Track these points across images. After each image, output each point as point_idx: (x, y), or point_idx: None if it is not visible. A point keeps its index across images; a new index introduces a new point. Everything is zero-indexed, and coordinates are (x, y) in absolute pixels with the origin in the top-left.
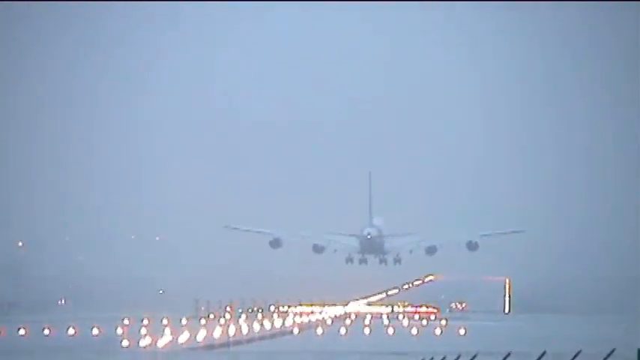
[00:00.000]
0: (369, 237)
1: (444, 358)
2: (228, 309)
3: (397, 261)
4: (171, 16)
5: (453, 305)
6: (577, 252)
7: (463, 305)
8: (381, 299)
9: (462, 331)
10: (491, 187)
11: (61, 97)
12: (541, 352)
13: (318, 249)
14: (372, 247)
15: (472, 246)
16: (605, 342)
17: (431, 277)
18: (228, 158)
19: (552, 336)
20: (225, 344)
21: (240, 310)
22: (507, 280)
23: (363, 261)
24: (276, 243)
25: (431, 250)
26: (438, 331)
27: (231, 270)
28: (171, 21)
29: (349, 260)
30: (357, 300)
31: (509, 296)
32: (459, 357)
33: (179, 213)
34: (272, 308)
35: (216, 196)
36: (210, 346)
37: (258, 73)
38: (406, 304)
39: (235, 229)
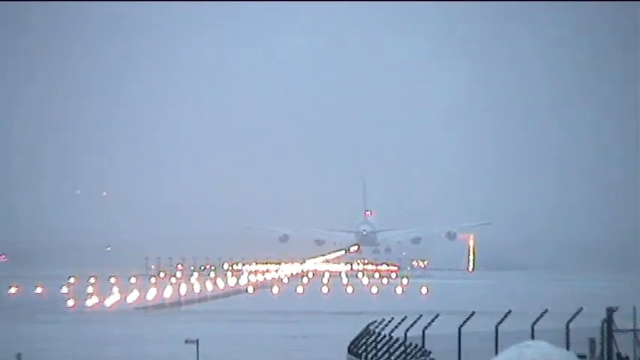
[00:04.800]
0: (364, 233)
1: (404, 317)
2: (179, 267)
3: (388, 250)
4: (192, 17)
5: (414, 263)
6: (540, 217)
7: (425, 263)
8: (340, 257)
9: (423, 290)
10: (466, 187)
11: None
12: (506, 311)
13: (319, 242)
14: (366, 240)
15: (451, 236)
16: (571, 301)
17: None
18: (240, 169)
19: (517, 294)
20: (177, 303)
21: (192, 269)
22: (471, 238)
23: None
24: (284, 238)
25: (416, 240)
26: (399, 290)
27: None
28: (192, 23)
29: (347, 250)
30: (315, 258)
31: (473, 254)
32: (420, 317)
33: (206, 217)
34: (225, 266)
35: (234, 202)
36: (160, 306)
37: (257, 86)
38: (366, 261)
39: (252, 228)
